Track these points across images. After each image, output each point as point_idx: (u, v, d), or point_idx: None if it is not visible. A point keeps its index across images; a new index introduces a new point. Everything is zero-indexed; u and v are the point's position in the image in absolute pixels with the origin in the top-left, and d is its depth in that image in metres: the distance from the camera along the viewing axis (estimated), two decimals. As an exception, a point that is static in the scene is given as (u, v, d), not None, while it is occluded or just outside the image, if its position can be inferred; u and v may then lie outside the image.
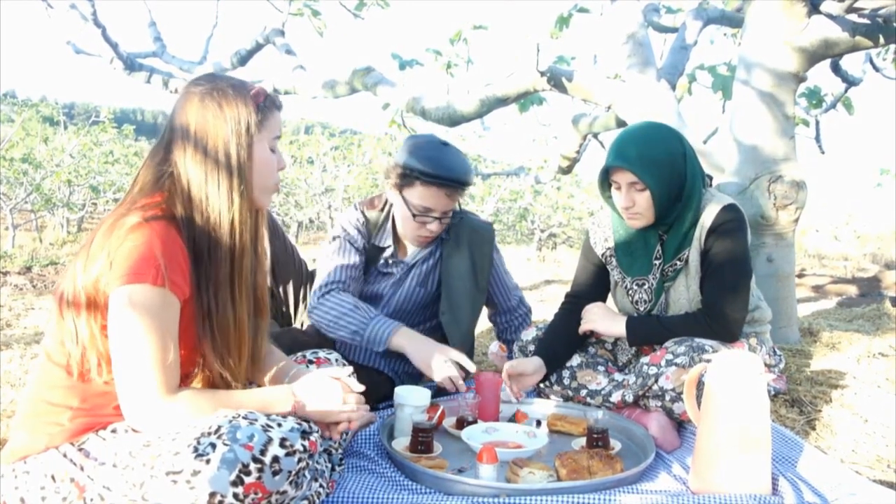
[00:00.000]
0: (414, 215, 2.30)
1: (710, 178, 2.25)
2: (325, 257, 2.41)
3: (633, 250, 2.22)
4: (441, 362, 2.12)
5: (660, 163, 2.05)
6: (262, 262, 1.60)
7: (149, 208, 1.38)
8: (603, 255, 2.33)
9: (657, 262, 2.18)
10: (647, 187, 2.04)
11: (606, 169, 2.12)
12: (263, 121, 1.48)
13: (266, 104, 1.49)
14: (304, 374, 1.65)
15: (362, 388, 1.61)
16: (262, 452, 1.22)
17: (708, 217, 2.09)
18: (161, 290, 1.32)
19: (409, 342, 2.20)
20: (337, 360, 1.85)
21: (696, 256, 2.12)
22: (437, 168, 2.24)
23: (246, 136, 1.44)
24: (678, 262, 2.14)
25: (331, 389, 1.54)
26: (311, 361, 1.81)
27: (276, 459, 1.23)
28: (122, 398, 1.33)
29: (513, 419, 2.16)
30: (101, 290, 1.32)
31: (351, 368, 1.69)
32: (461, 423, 2.02)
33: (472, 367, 2.16)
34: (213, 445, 1.20)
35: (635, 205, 2.08)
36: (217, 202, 1.42)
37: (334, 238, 2.42)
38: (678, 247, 2.13)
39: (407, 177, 2.27)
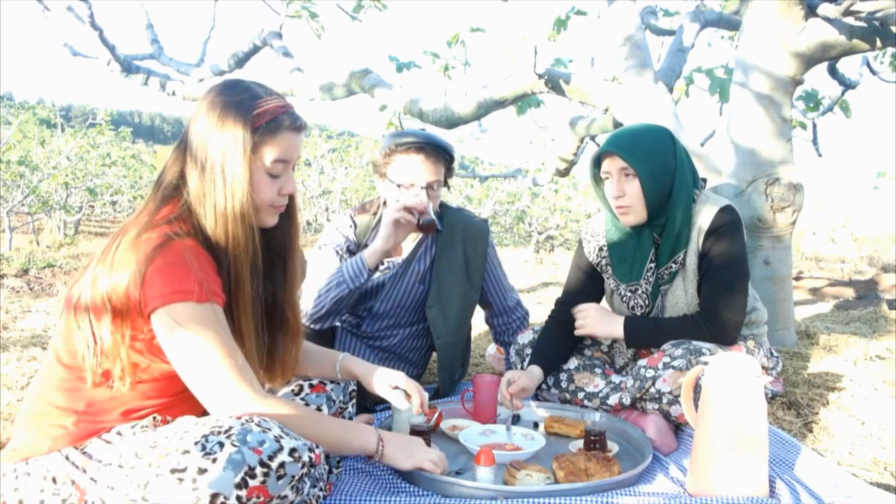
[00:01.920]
0: (399, 186, 2.33)
1: (705, 180, 2.25)
2: (311, 269, 2.42)
3: (625, 256, 2.22)
4: None
5: (649, 152, 2.08)
6: (290, 280, 1.62)
7: (173, 222, 1.39)
8: (598, 264, 2.33)
9: (651, 266, 2.18)
10: (636, 174, 2.06)
11: (598, 161, 2.16)
12: (261, 145, 1.44)
13: (269, 128, 1.44)
14: (354, 361, 1.82)
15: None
16: (271, 458, 1.22)
17: (705, 219, 2.09)
18: (207, 305, 1.35)
19: (381, 241, 2.26)
20: (333, 390, 1.84)
21: (694, 259, 2.12)
22: (410, 135, 2.33)
23: (241, 158, 1.41)
24: (673, 265, 2.14)
25: (416, 447, 1.63)
26: (311, 385, 1.81)
27: (282, 465, 1.23)
28: (218, 412, 1.36)
29: (512, 421, 2.16)
30: (134, 305, 1.33)
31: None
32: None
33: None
34: (221, 444, 1.20)
35: (625, 194, 2.10)
36: (212, 217, 1.42)
37: (320, 247, 2.44)
38: (673, 248, 2.13)
39: (387, 155, 2.34)
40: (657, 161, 2.08)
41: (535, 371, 2.20)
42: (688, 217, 2.11)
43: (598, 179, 2.21)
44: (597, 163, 2.18)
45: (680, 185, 2.10)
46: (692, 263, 2.13)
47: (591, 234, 2.35)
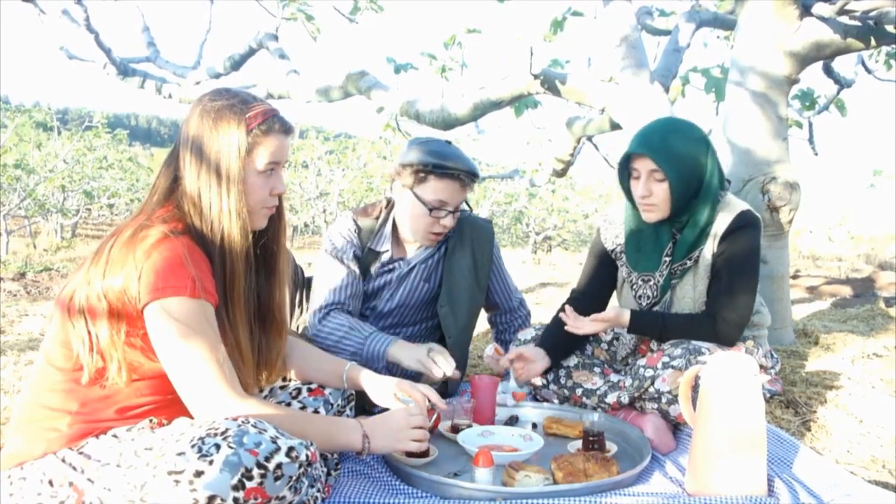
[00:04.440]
0: (431, 210, 2.32)
1: (729, 182, 2.25)
2: (319, 277, 2.42)
3: (642, 245, 2.22)
4: (428, 356, 2.10)
5: (682, 155, 2.05)
6: (278, 280, 1.65)
7: (169, 221, 1.43)
8: (613, 251, 2.33)
9: (667, 260, 2.18)
10: (666, 178, 2.05)
11: (628, 155, 2.12)
12: (255, 146, 1.49)
13: (261, 129, 1.49)
14: (359, 371, 1.81)
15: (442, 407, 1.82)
16: (267, 459, 1.22)
17: (724, 221, 2.09)
18: (198, 301, 1.37)
19: (404, 352, 2.20)
20: (331, 393, 1.84)
21: (708, 258, 2.12)
22: (450, 160, 2.30)
23: (236, 158, 1.46)
24: (688, 262, 2.15)
25: (398, 427, 1.62)
26: (310, 389, 1.81)
27: (279, 466, 1.23)
28: (194, 408, 1.38)
29: (510, 422, 2.16)
30: (130, 302, 1.35)
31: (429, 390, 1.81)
32: (456, 430, 2.02)
33: (448, 368, 2.06)
34: (218, 446, 1.20)
35: (652, 195, 2.09)
36: (209, 217, 1.46)
37: (326, 251, 2.43)
38: (690, 246, 2.13)
39: (420, 172, 2.31)
40: (688, 165, 2.06)
41: (537, 349, 2.22)
42: (711, 218, 2.11)
43: (624, 174, 2.17)
44: (627, 156, 2.14)
45: (708, 187, 2.09)
46: (705, 262, 2.13)
47: (610, 220, 2.36)
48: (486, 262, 2.52)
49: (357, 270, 2.40)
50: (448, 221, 2.36)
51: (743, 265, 2.07)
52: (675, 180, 2.04)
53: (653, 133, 2.09)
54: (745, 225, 2.08)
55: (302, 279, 2.63)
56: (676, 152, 2.05)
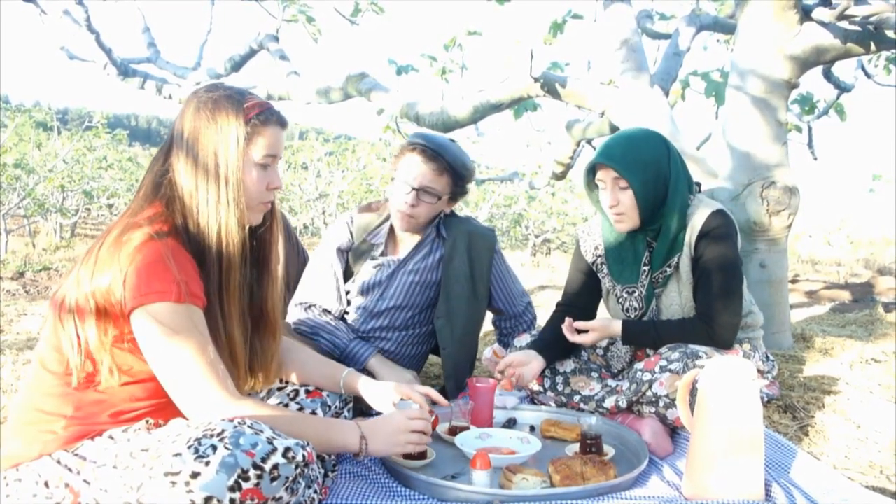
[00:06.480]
0: (401, 185, 2.37)
1: (699, 184, 2.26)
2: (309, 273, 2.50)
3: (623, 258, 2.23)
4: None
5: (643, 162, 2.09)
6: (271, 279, 1.63)
7: (155, 221, 1.41)
8: (594, 263, 2.34)
9: (645, 269, 2.19)
10: (630, 185, 2.07)
11: (592, 168, 2.17)
12: (254, 136, 1.48)
13: (259, 119, 1.49)
14: (357, 377, 1.81)
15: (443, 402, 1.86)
16: (264, 460, 1.22)
17: (697, 222, 2.10)
18: (184, 305, 1.35)
19: (382, 368, 2.32)
20: (329, 396, 1.84)
21: (687, 262, 2.13)
22: (419, 136, 2.38)
23: (234, 148, 1.45)
24: (668, 269, 2.15)
25: (397, 430, 1.60)
26: (308, 391, 1.81)
27: (275, 467, 1.23)
28: (188, 410, 1.37)
29: (508, 425, 2.16)
30: (116, 305, 1.34)
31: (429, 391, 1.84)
32: (454, 432, 2.01)
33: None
34: (214, 447, 1.19)
35: (619, 204, 2.11)
36: (205, 210, 1.44)
37: (319, 253, 2.50)
38: (667, 254, 2.14)
39: (397, 154, 2.42)
40: (650, 171, 2.09)
41: (527, 351, 2.23)
42: (682, 223, 2.12)
43: (592, 185, 2.23)
44: (591, 170, 2.19)
45: (674, 192, 2.11)
46: (686, 266, 2.14)
47: (588, 232, 2.38)
48: (484, 272, 2.51)
49: (340, 271, 2.47)
50: (409, 199, 2.34)
51: (726, 266, 2.08)
52: (638, 187, 2.08)
53: (612, 144, 2.14)
54: (719, 224, 2.09)
55: (304, 259, 2.68)
56: (636, 159, 2.09)
